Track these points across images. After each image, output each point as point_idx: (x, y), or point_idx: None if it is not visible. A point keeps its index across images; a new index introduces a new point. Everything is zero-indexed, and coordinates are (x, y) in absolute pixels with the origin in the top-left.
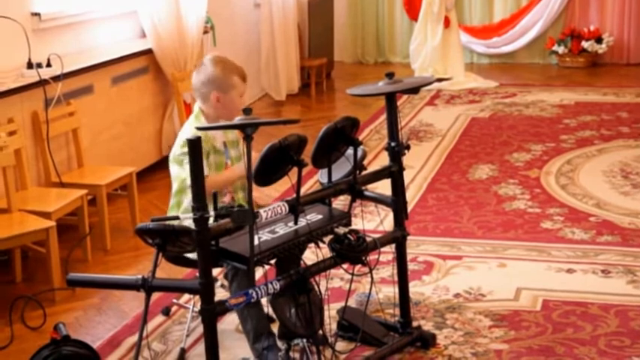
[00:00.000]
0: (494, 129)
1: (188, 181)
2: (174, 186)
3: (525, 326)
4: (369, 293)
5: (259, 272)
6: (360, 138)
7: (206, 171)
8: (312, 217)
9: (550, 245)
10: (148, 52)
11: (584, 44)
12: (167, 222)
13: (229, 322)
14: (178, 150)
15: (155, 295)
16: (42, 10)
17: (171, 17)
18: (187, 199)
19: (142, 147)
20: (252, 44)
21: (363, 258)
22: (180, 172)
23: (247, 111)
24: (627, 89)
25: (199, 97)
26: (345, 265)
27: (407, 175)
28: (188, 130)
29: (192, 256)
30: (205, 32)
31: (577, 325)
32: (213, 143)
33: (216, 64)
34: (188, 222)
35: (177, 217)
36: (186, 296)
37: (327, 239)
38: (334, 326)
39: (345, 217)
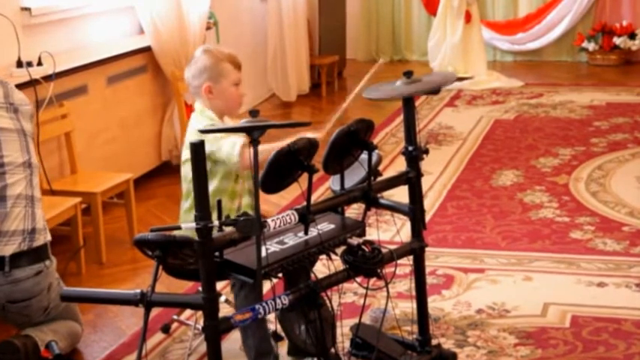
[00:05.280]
0: (520, 132)
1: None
2: (184, 188)
3: (553, 344)
4: (385, 309)
5: (267, 286)
6: (375, 142)
7: (242, 139)
8: (324, 226)
9: (580, 257)
10: (147, 49)
11: (616, 40)
12: (168, 232)
13: (234, 340)
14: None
15: (154, 311)
16: (32, 5)
17: (171, 12)
18: None
19: (140, 152)
20: (258, 41)
21: (379, 271)
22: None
23: (254, 113)
24: None
25: (193, 93)
26: (358, 279)
27: (425, 182)
28: (196, 126)
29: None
30: (208, 28)
31: (609, 343)
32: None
33: (204, 53)
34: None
35: (178, 227)
36: (188, 312)
37: (339, 250)
38: (347, 344)
39: (359, 227)
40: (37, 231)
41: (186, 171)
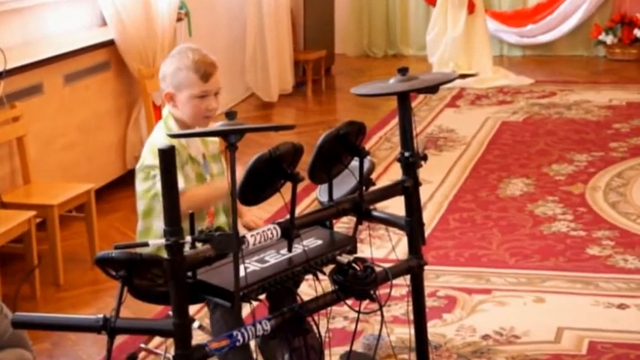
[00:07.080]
0: (530, 135)
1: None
2: (140, 206)
3: None
4: (379, 335)
5: (246, 309)
6: (367, 147)
7: (181, 185)
8: (310, 242)
9: (598, 275)
10: (110, 43)
11: (637, 33)
12: (133, 249)
13: None
14: (146, 161)
15: (119, 339)
16: None
17: (137, 1)
18: (158, 223)
19: (102, 159)
20: (236, 34)
21: (372, 292)
22: (148, 189)
23: (231, 115)
24: None
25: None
26: (349, 301)
27: (424, 192)
28: (157, 137)
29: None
30: (179, 20)
31: None
32: (189, 152)
33: (172, 56)
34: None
35: (146, 244)
36: (157, 340)
37: (327, 270)
38: None
39: (350, 243)
40: None
41: (145, 186)
